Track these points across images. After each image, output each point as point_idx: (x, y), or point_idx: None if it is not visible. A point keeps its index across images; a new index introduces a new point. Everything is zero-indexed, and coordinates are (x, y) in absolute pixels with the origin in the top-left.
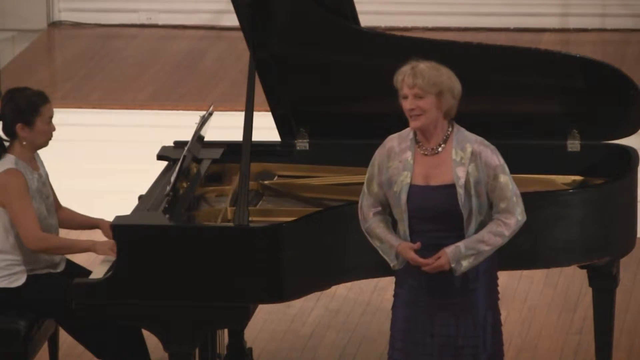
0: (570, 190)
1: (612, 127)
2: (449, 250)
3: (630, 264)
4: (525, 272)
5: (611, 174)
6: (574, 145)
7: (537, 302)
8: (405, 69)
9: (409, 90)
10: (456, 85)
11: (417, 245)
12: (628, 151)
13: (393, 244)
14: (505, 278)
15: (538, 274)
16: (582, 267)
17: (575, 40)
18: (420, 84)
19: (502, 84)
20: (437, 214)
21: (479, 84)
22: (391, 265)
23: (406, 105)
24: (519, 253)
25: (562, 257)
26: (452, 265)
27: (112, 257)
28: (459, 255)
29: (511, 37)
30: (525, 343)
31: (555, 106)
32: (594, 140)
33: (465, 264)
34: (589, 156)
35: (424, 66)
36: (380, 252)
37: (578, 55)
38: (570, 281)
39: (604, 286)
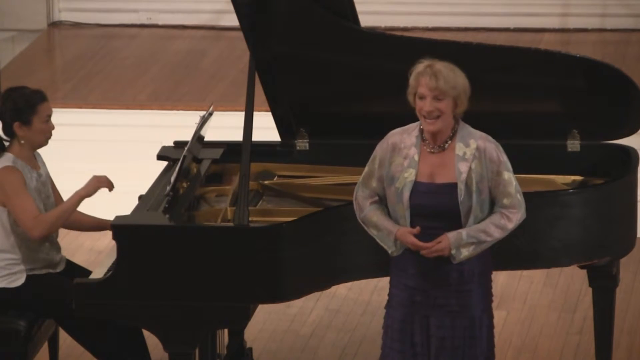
0: (570, 190)
1: (612, 127)
2: (451, 235)
3: (630, 264)
4: (525, 272)
5: (611, 174)
6: (574, 145)
7: (537, 302)
8: (422, 67)
9: (429, 91)
10: (468, 86)
11: (417, 229)
12: (628, 151)
13: (391, 230)
14: (505, 278)
15: (538, 274)
16: (582, 267)
17: (575, 40)
18: (442, 86)
19: (502, 84)
20: (438, 211)
21: (479, 84)
22: (389, 252)
23: (423, 105)
24: (519, 253)
25: (562, 257)
26: (452, 251)
27: (109, 187)
28: (460, 241)
29: (511, 37)
30: (525, 343)
31: (555, 106)
32: (594, 140)
33: (465, 252)
34: (589, 156)
35: (442, 67)
36: (378, 240)
37: (578, 55)
38: (570, 281)
39: (604, 286)
